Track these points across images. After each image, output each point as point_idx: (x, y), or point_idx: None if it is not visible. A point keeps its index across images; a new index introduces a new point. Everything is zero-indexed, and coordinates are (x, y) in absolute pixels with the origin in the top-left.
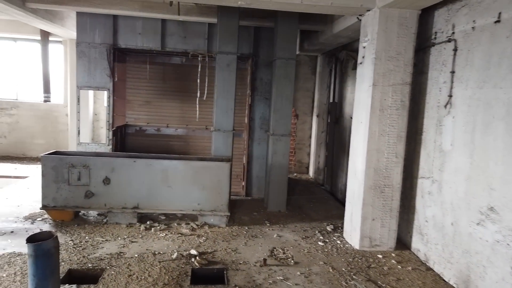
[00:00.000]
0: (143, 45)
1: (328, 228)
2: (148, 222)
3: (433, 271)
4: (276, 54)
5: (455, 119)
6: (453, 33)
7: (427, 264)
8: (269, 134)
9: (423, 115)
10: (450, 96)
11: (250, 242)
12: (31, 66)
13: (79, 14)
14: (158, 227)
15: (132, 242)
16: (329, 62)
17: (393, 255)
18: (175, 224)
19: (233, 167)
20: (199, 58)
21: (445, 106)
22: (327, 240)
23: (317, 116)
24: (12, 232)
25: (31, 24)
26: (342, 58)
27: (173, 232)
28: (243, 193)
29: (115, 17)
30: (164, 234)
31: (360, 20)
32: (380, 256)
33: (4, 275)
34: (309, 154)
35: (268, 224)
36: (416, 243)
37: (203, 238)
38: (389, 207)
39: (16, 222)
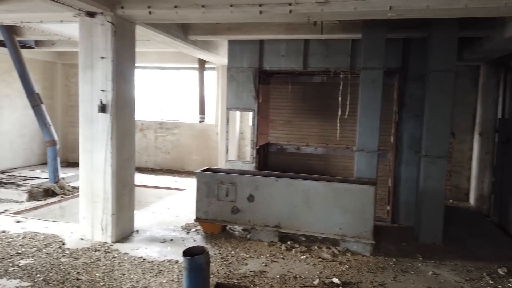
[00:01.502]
0: (286, 66)
1: (500, 271)
2: (288, 242)
3: None
4: (430, 66)
5: None
6: None
7: None
8: (421, 155)
9: None
10: None
11: (399, 278)
12: (190, 91)
13: (230, 42)
14: (299, 249)
15: (274, 261)
16: (496, 71)
17: None
18: (316, 247)
19: (377, 190)
20: (341, 76)
21: None
22: (500, 287)
23: (480, 134)
24: (171, 240)
25: (192, 54)
26: None
27: (313, 256)
28: (389, 219)
29: (261, 42)
30: (305, 256)
31: None
32: None
33: (164, 280)
34: (469, 179)
35: (420, 258)
36: None
37: (346, 266)
38: None
39: (174, 231)
